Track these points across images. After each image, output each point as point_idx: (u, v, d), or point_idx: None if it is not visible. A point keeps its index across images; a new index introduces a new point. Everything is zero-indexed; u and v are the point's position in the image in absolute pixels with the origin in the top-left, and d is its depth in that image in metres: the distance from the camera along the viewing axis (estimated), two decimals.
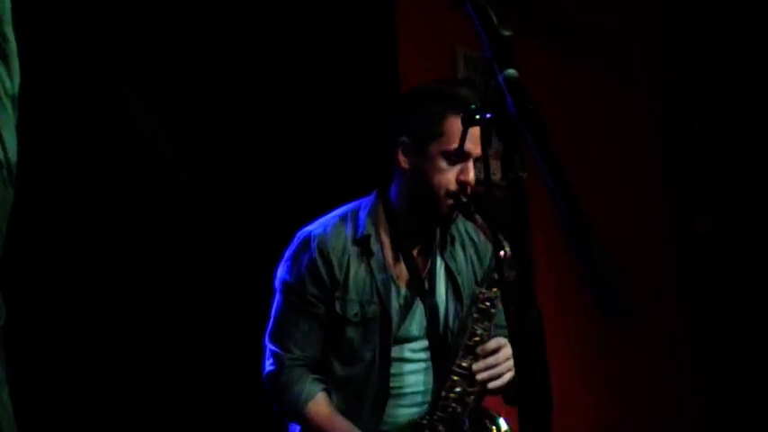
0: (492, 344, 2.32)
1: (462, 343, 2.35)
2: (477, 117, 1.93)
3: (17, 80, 1.09)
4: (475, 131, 2.21)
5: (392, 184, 2.43)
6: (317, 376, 2.37)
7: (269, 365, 2.39)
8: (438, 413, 2.33)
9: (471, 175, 2.33)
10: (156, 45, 2.92)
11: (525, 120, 1.31)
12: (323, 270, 2.34)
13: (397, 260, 2.41)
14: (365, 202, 2.45)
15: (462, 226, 2.49)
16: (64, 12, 2.70)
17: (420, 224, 2.42)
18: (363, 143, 3.17)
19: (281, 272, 2.41)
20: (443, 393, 2.33)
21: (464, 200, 2.32)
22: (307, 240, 2.39)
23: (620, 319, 1.12)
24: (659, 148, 5.21)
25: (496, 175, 2.04)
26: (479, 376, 2.30)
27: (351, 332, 2.35)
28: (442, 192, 2.32)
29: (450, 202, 2.32)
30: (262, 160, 3.16)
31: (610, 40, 4.94)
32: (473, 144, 2.27)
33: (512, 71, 1.35)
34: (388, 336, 2.35)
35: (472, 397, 2.34)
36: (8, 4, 1.08)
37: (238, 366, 2.86)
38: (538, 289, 1.31)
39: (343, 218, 2.42)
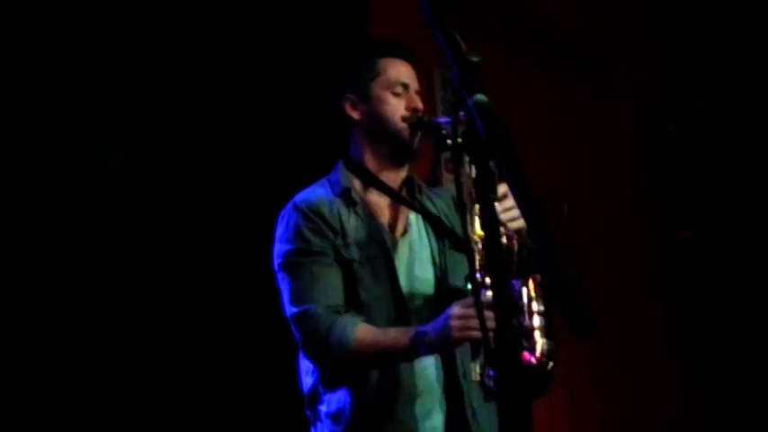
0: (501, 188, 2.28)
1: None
2: (449, 141, 1.96)
3: None
4: (406, 66, 2.46)
5: (351, 145, 2.51)
6: (352, 313, 2.32)
7: (301, 329, 2.30)
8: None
9: (419, 103, 2.45)
10: (116, 69, 2.95)
11: (495, 143, 1.34)
12: (318, 220, 2.36)
13: (377, 207, 2.46)
14: (333, 171, 2.51)
15: (426, 191, 2.54)
16: (27, 44, 2.72)
17: (388, 165, 2.48)
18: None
19: (277, 248, 2.40)
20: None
21: (419, 115, 2.42)
22: (290, 207, 2.42)
23: (588, 335, 1.13)
24: (640, 157, 5.25)
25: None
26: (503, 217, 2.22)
27: (361, 272, 2.34)
28: (396, 118, 2.42)
29: (407, 124, 2.42)
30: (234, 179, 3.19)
31: (588, 48, 4.98)
32: (410, 78, 2.47)
33: (481, 96, 1.38)
34: (394, 271, 2.36)
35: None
36: None
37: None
38: None
39: (317, 184, 2.48)
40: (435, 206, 2.51)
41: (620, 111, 5.17)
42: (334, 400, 2.32)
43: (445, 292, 2.37)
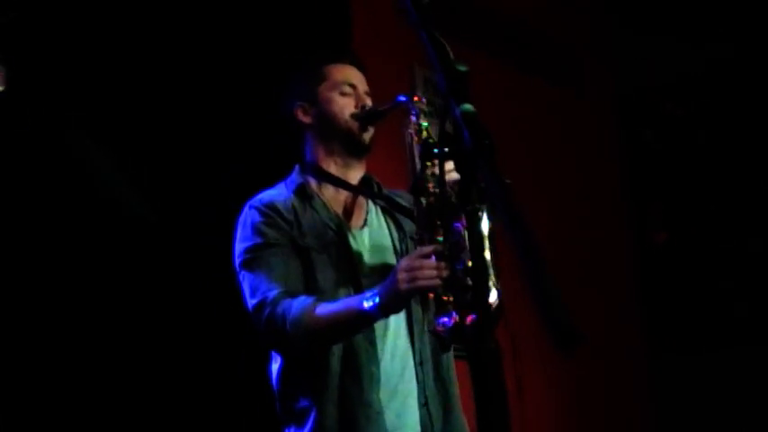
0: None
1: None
2: (435, 151, 1.96)
3: None
4: (352, 70, 2.50)
5: (305, 149, 2.53)
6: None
7: (260, 317, 2.30)
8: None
9: (368, 101, 2.49)
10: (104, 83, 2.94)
11: (481, 153, 1.34)
12: (274, 215, 2.39)
13: (333, 201, 2.48)
14: (289, 174, 2.54)
15: (386, 191, 2.56)
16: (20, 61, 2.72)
17: (342, 163, 2.50)
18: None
19: (237, 246, 2.42)
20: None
21: (367, 109, 2.45)
22: (246, 208, 2.44)
23: (571, 348, 1.14)
24: (614, 159, 5.28)
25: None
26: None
27: (318, 259, 2.36)
28: (346, 115, 2.46)
29: (356, 119, 2.46)
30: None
31: (561, 52, 5.00)
32: (357, 80, 2.50)
33: (468, 106, 1.37)
34: (352, 258, 2.38)
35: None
36: None
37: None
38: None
39: (273, 188, 2.51)
40: (394, 202, 2.54)
41: (597, 113, 5.19)
42: (301, 392, 2.34)
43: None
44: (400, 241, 2.46)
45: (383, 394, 2.33)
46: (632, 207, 5.24)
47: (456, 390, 2.42)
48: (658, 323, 5.07)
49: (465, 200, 1.38)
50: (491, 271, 2.07)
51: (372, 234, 2.47)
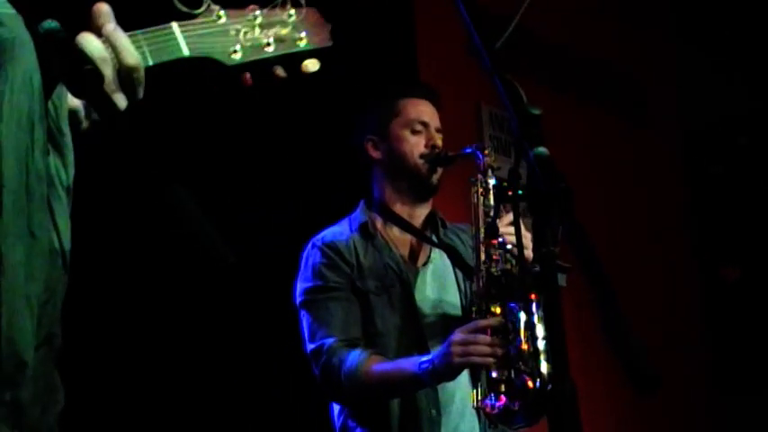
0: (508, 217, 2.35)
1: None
2: (510, 192, 1.98)
3: (72, 171, 1.14)
4: (426, 105, 2.51)
5: (373, 184, 2.55)
6: (363, 346, 2.36)
7: (317, 365, 2.35)
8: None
9: (438, 140, 2.50)
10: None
11: (556, 197, 1.35)
12: (335, 257, 2.42)
13: (397, 241, 2.50)
14: (354, 210, 2.56)
15: (450, 227, 2.58)
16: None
17: (409, 202, 2.52)
18: None
19: (299, 285, 2.47)
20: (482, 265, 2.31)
21: (437, 151, 2.47)
22: (309, 246, 2.49)
23: (651, 391, 1.13)
24: (681, 194, 5.22)
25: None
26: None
27: (376, 302, 2.39)
28: (416, 155, 2.48)
29: (426, 161, 2.47)
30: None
31: (625, 83, 4.97)
32: (429, 116, 2.52)
33: (542, 149, 1.38)
34: (412, 299, 2.41)
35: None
36: (65, 102, 1.14)
37: None
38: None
39: (337, 224, 2.54)
40: (461, 239, 2.55)
41: (664, 147, 5.15)
42: None
43: (470, 316, 2.38)
44: (464, 281, 2.47)
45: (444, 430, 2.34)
46: (702, 243, 5.16)
47: None
48: (725, 360, 4.98)
49: (539, 243, 1.39)
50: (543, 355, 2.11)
51: (437, 272, 2.48)
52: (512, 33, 1.70)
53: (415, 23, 3.72)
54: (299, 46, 1.38)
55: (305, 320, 2.42)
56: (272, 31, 1.35)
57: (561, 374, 1.30)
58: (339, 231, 2.50)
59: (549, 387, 2.09)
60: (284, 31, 1.36)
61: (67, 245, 1.13)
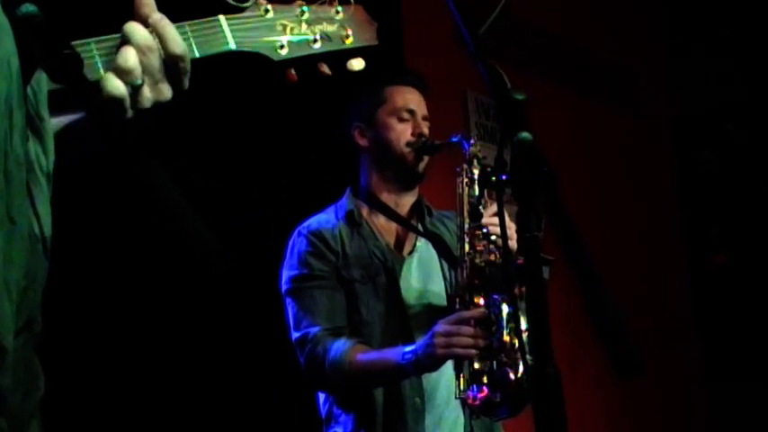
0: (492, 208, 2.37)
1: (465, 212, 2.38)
2: (494, 178, 1.98)
3: (52, 158, 1.14)
4: (413, 93, 2.49)
5: (360, 172, 2.55)
6: (347, 335, 2.37)
7: (302, 353, 2.36)
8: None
9: (425, 128, 2.49)
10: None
11: (539, 182, 1.35)
12: (320, 245, 2.42)
13: (383, 229, 2.50)
14: (341, 197, 2.56)
15: (437, 214, 2.58)
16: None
17: (395, 190, 2.52)
18: None
19: (284, 273, 2.47)
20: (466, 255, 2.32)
21: (423, 139, 2.46)
22: (295, 234, 2.49)
23: (635, 376, 1.14)
24: (671, 180, 5.23)
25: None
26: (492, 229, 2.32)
27: (361, 291, 2.39)
28: (402, 143, 2.48)
29: (412, 149, 2.47)
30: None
31: (615, 73, 4.98)
32: (416, 104, 2.51)
33: (525, 134, 1.38)
34: (396, 288, 2.41)
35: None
36: (45, 87, 1.13)
37: None
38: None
39: (324, 211, 2.54)
40: (446, 227, 2.55)
41: (654, 135, 5.15)
42: (349, 422, 2.38)
43: (453, 307, 2.40)
44: (449, 269, 2.48)
45: (429, 422, 2.35)
46: (690, 229, 5.18)
47: None
48: (713, 346, 4.99)
49: (523, 228, 1.38)
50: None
51: (422, 261, 2.48)
52: (500, 22, 1.69)
53: (401, 10, 3.71)
54: (345, 44, 1.37)
55: (290, 308, 2.43)
56: (318, 28, 1.34)
57: (544, 359, 1.30)
58: (325, 219, 2.50)
59: (532, 373, 2.09)
60: (331, 28, 1.35)
61: (48, 231, 1.12)
